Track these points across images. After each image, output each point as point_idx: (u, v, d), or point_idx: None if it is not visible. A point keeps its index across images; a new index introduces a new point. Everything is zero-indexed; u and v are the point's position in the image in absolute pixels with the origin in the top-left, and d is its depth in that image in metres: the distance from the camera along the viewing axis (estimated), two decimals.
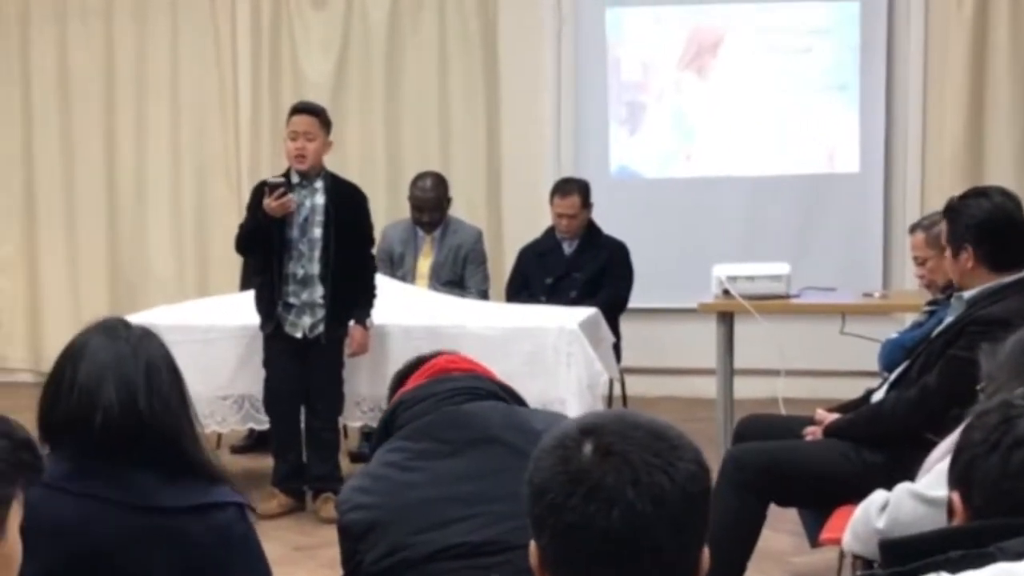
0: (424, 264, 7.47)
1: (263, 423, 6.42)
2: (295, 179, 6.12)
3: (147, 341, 2.60)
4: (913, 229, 5.26)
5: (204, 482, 2.56)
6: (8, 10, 9.27)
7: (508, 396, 2.89)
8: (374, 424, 6.56)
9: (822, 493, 4.39)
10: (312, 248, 6.10)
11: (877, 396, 4.57)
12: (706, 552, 1.67)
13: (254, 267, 6.46)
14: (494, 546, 2.58)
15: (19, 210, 9.38)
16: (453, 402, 2.80)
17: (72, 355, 2.56)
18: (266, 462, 6.44)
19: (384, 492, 2.71)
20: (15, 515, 1.81)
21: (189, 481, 2.54)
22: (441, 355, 2.99)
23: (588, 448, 1.63)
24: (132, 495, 2.48)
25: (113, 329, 2.60)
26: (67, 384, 2.51)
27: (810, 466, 4.42)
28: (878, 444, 4.32)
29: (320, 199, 6.11)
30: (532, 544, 1.68)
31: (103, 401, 2.49)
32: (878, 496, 3.27)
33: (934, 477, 3.08)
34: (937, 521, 2.23)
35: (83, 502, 2.45)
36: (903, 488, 3.20)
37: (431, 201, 7.43)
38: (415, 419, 2.79)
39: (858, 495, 4.14)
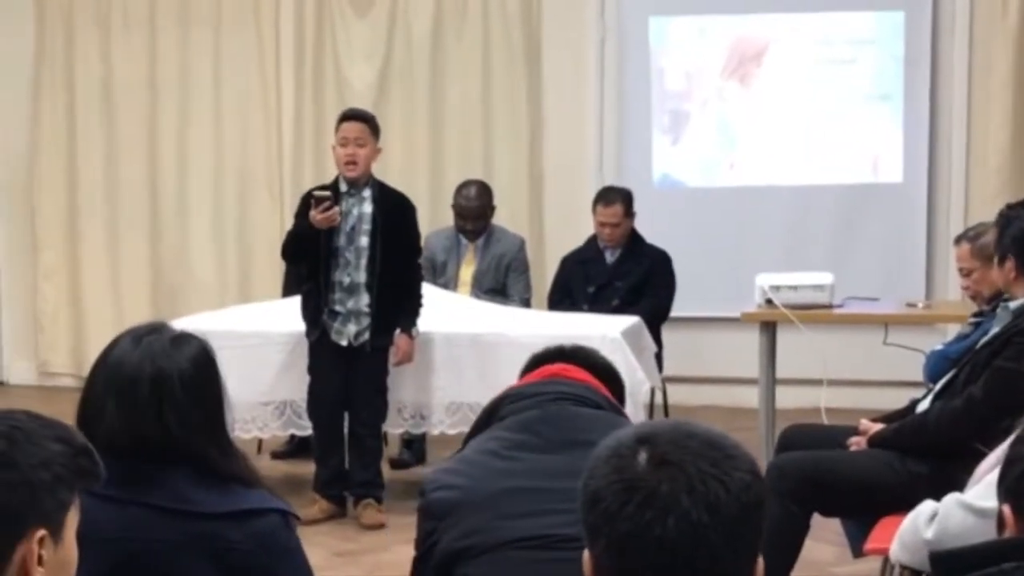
0: (467, 272, 7.49)
1: (304, 429, 6.44)
2: (343, 187, 6.14)
3: (176, 346, 2.57)
4: (959, 240, 5.24)
5: (241, 487, 2.55)
6: (53, 19, 9.34)
7: (614, 412, 2.90)
8: (416, 431, 6.64)
9: (866, 503, 4.38)
10: (359, 256, 6.12)
11: (922, 407, 4.55)
12: (760, 562, 1.67)
13: (301, 274, 6.48)
14: (578, 542, 2.57)
15: (63, 217, 9.44)
16: (559, 405, 2.82)
17: (103, 365, 2.57)
18: (306, 468, 6.48)
19: (473, 475, 2.72)
20: (72, 521, 1.83)
21: (226, 486, 2.53)
22: (557, 363, 2.99)
23: (643, 457, 1.64)
24: (172, 500, 2.48)
25: (138, 336, 2.58)
26: (101, 396, 2.53)
27: (854, 476, 4.41)
28: (923, 455, 4.30)
29: (368, 208, 6.13)
30: (586, 553, 1.68)
31: (141, 409, 2.50)
32: (926, 506, 3.25)
33: (984, 488, 3.06)
34: (987, 532, 2.22)
35: (125, 508, 2.45)
36: (952, 498, 3.18)
37: (475, 209, 7.45)
38: (518, 413, 2.81)
39: (903, 506, 4.13)
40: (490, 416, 2.89)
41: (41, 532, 1.76)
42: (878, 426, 4.58)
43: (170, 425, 2.49)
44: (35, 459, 1.78)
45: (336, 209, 5.99)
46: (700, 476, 1.61)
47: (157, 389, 2.50)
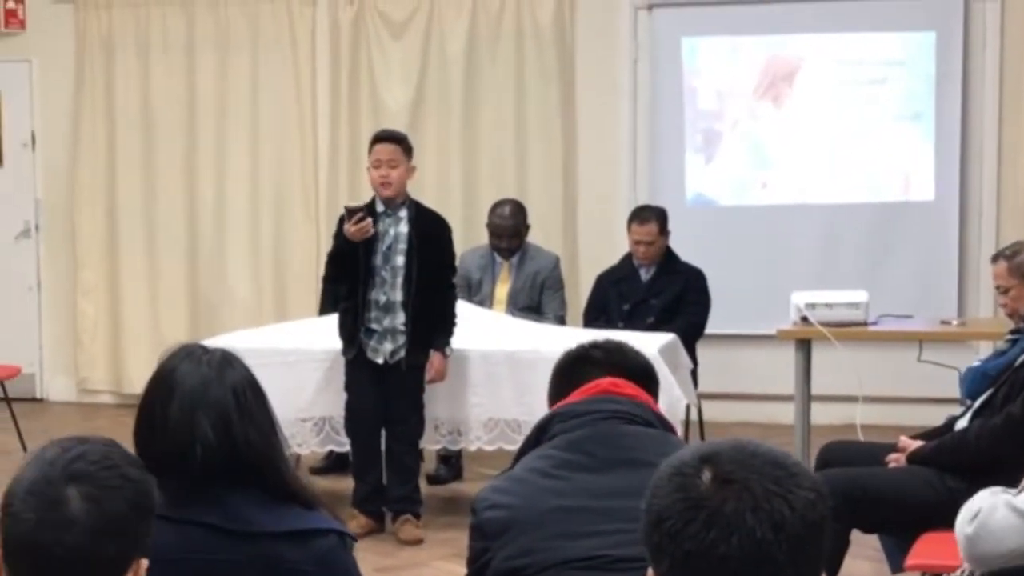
0: (502, 290, 7.54)
1: (343, 445, 6.50)
2: (380, 207, 6.21)
3: (229, 365, 2.58)
4: (996, 258, 5.26)
5: (300, 507, 2.55)
6: (92, 43, 9.45)
7: (664, 428, 2.89)
8: (453, 447, 6.69)
9: (905, 520, 4.42)
10: (395, 275, 6.18)
11: (961, 424, 4.58)
12: None
13: (337, 293, 6.55)
14: (632, 563, 2.51)
15: (102, 236, 9.55)
16: (609, 423, 2.80)
17: (161, 387, 2.55)
18: (344, 483, 6.54)
19: (524, 494, 2.71)
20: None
21: (285, 506, 2.53)
22: (595, 371, 2.96)
23: (707, 476, 1.64)
24: (231, 521, 2.48)
25: (195, 356, 2.58)
26: (160, 418, 2.51)
27: (894, 492, 4.44)
28: (962, 472, 4.33)
29: (404, 227, 6.20)
30: (649, 571, 1.69)
31: (199, 433, 2.48)
32: (974, 502, 3.23)
33: None
34: None
35: (184, 529, 2.44)
36: (1001, 497, 3.17)
37: (510, 228, 7.51)
38: (569, 432, 2.80)
39: (942, 522, 4.17)
40: (540, 434, 2.88)
41: (144, 561, 1.83)
42: (917, 443, 4.62)
43: (251, 437, 2.51)
44: (150, 489, 1.85)
45: (369, 220, 6.06)
46: (764, 494, 1.61)
47: (237, 401, 2.52)
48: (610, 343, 3.13)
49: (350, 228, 6.04)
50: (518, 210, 7.61)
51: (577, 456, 2.74)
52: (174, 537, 2.39)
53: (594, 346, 3.07)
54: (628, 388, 2.91)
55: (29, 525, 1.75)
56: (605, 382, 2.91)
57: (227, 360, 2.59)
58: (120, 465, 1.83)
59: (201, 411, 2.49)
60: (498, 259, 7.58)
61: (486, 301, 7.42)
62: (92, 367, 9.65)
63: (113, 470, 1.81)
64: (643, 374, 3.03)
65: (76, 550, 1.74)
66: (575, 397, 2.91)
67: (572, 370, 3.01)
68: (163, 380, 2.55)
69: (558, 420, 2.85)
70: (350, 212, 6.08)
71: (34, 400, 9.56)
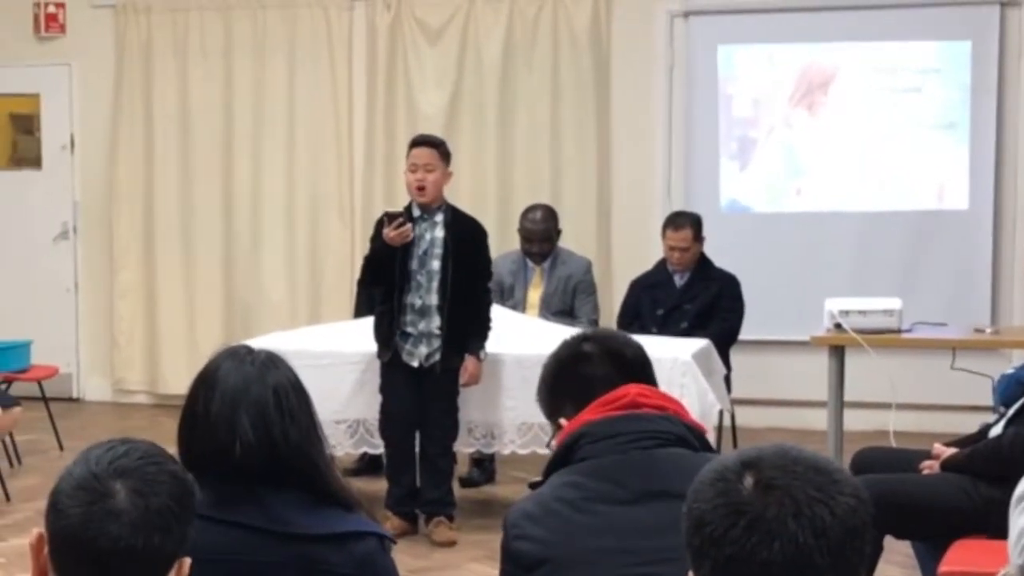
0: (534, 295, 7.57)
1: (377, 447, 6.55)
2: (416, 212, 6.25)
3: (273, 365, 2.59)
4: None
5: (339, 509, 2.55)
6: (132, 48, 9.55)
7: (695, 438, 2.76)
8: (486, 451, 6.72)
9: (939, 527, 4.42)
10: (430, 279, 6.22)
11: (995, 431, 4.59)
12: None
13: (372, 296, 6.59)
14: None
15: (139, 238, 9.64)
16: (641, 446, 2.68)
17: (204, 385, 2.56)
18: (377, 485, 6.57)
19: (558, 530, 2.62)
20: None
21: (326, 508, 2.53)
22: (632, 384, 2.81)
23: (749, 481, 1.65)
24: (273, 522, 2.48)
25: (239, 355, 2.60)
26: (202, 415, 2.53)
27: (928, 499, 4.45)
28: (996, 479, 4.32)
29: (440, 232, 6.24)
30: (690, 574, 1.70)
31: (239, 431, 2.49)
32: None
33: None
34: None
35: (226, 529, 2.45)
36: None
37: (541, 232, 7.54)
38: (598, 455, 2.69)
39: (975, 530, 4.19)
40: (568, 453, 2.74)
41: (188, 560, 1.86)
42: (951, 450, 4.63)
43: (291, 437, 2.52)
44: (192, 489, 1.88)
45: (409, 225, 6.11)
46: (806, 500, 1.62)
47: (278, 401, 2.53)
48: (598, 333, 3.06)
49: (390, 232, 6.08)
50: (549, 215, 7.64)
51: (609, 487, 2.65)
52: (216, 537, 2.39)
53: (584, 339, 2.95)
54: (656, 398, 2.80)
55: (76, 519, 1.78)
56: (632, 392, 2.77)
57: (271, 361, 2.60)
58: (164, 462, 1.86)
59: (242, 409, 2.51)
60: (530, 264, 7.61)
61: (519, 306, 7.45)
62: (128, 368, 9.74)
63: (158, 466, 1.84)
64: (641, 365, 2.92)
65: (120, 541, 1.76)
66: (600, 410, 2.77)
67: (571, 372, 2.89)
68: (206, 378, 2.57)
69: (586, 440, 2.73)
70: (390, 217, 6.11)
71: (71, 400, 9.66)
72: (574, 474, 2.69)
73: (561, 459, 2.76)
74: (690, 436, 2.74)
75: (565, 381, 2.89)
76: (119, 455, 1.83)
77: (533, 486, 2.91)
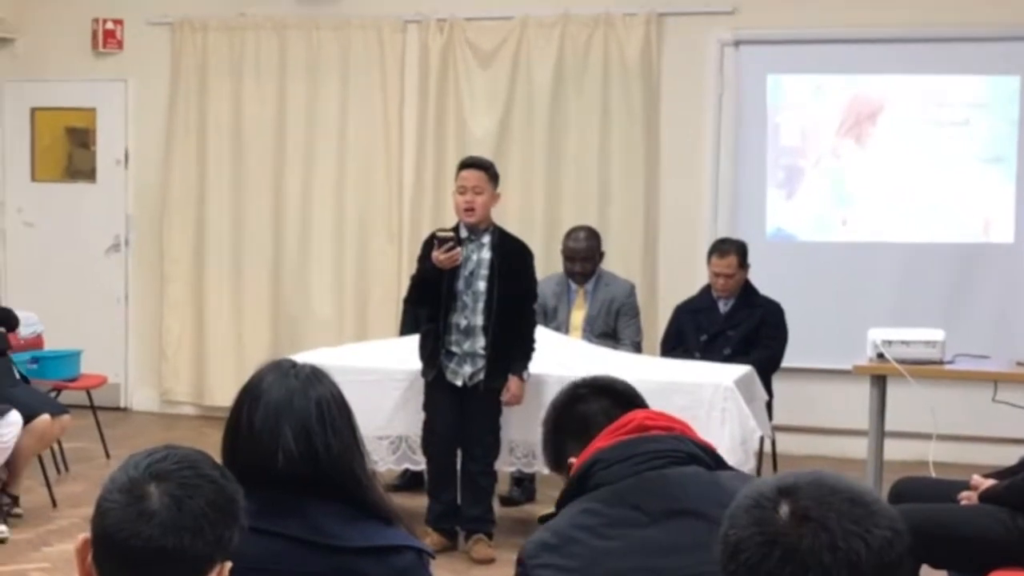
0: (577, 316, 7.62)
1: (418, 464, 6.61)
2: (464, 232, 6.32)
3: (317, 379, 2.61)
4: None
5: (380, 523, 2.56)
6: (188, 66, 9.69)
7: (707, 456, 2.77)
8: (527, 470, 6.77)
9: (976, 558, 4.43)
10: (476, 300, 6.29)
11: None
12: None
13: (418, 315, 6.66)
14: None
15: (190, 252, 9.76)
16: (652, 466, 2.70)
17: (248, 397, 2.58)
18: (418, 501, 6.63)
19: (581, 556, 2.63)
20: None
21: (366, 521, 2.54)
22: (639, 409, 2.87)
23: (785, 510, 1.64)
24: (314, 533, 2.49)
25: (284, 369, 2.62)
26: (246, 427, 2.55)
27: (965, 529, 4.46)
28: None
29: (487, 253, 6.30)
30: None
31: (282, 442, 2.51)
32: None
33: None
34: None
35: (268, 540, 2.45)
36: None
37: (584, 251, 7.59)
38: (612, 480, 2.70)
39: (1012, 561, 4.20)
40: (582, 482, 2.74)
41: (229, 564, 1.88)
42: (990, 482, 4.63)
43: (333, 450, 2.54)
44: (234, 494, 1.90)
45: (459, 250, 6.17)
46: (842, 533, 1.61)
47: (320, 414, 2.55)
48: (586, 377, 3.08)
49: (439, 256, 6.14)
50: (592, 235, 7.70)
51: (625, 511, 2.66)
52: (258, 547, 2.38)
53: (575, 385, 3.02)
54: (662, 419, 2.82)
55: (112, 520, 1.82)
56: (639, 416, 2.81)
57: (315, 375, 2.62)
58: (201, 467, 1.88)
59: (285, 421, 2.52)
60: (573, 286, 7.66)
61: (562, 327, 7.50)
62: (175, 379, 9.85)
63: (194, 470, 1.87)
64: (633, 395, 2.98)
65: (151, 542, 1.79)
66: (610, 436, 2.79)
67: (569, 412, 2.96)
68: (251, 390, 2.59)
69: (599, 467, 2.73)
70: (440, 240, 6.17)
71: (118, 409, 9.79)
72: (590, 502, 2.69)
73: (576, 489, 2.75)
74: (702, 454, 2.76)
75: (564, 422, 2.96)
76: (157, 460, 1.87)
77: (544, 519, 2.91)
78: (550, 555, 2.65)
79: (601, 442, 2.78)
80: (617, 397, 2.96)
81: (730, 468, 2.82)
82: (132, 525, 1.81)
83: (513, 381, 6.32)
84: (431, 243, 6.26)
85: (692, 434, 2.83)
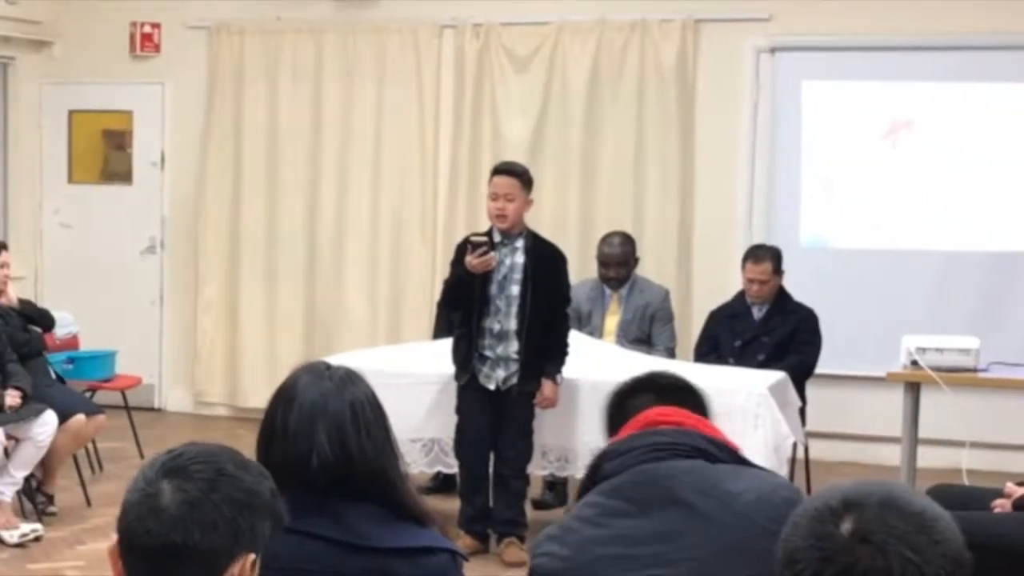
0: (611, 322, 7.63)
1: (451, 467, 6.63)
2: (497, 237, 6.33)
3: (351, 381, 2.61)
4: None
5: (413, 524, 2.56)
6: (224, 70, 9.74)
7: (718, 450, 2.80)
8: (560, 474, 6.78)
9: (1010, 565, 4.42)
10: (509, 304, 6.30)
11: None
12: None
13: (451, 319, 6.67)
14: None
15: (224, 254, 9.81)
16: (652, 457, 2.74)
17: (283, 399, 2.59)
18: (450, 504, 6.66)
19: (572, 545, 2.71)
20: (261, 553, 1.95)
21: (400, 522, 2.55)
22: (654, 406, 2.92)
23: (847, 527, 1.61)
24: (348, 534, 2.50)
25: (318, 371, 2.63)
26: (280, 429, 2.55)
27: (998, 537, 4.45)
28: None
29: (520, 258, 6.32)
30: None
31: (316, 444, 2.52)
32: None
33: None
34: None
35: (302, 541, 2.46)
36: None
37: (618, 256, 7.60)
38: (614, 473, 2.77)
39: None
40: (594, 475, 2.83)
41: (252, 557, 1.88)
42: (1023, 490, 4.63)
43: (367, 452, 2.55)
44: (255, 486, 1.90)
45: (492, 254, 6.18)
46: (900, 563, 1.58)
47: (355, 416, 2.56)
48: (645, 373, 3.12)
49: (473, 261, 6.15)
50: (627, 241, 7.71)
51: (618, 503, 2.72)
52: (292, 548, 2.41)
53: (636, 380, 3.07)
54: (675, 416, 2.86)
55: (129, 517, 1.85)
56: (652, 412, 2.88)
57: (350, 377, 2.63)
58: (217, 462, 1.89)
59: (319, 423, 2.53)
60: (607, 291, 7.67)
61: (596, 332, 7.51)
62: (209, 380, 9.90)
63: (208, 465, 1.87)
64: (676, 388, 3.00)
65: (160, 537, 1.81)
66: (623, 433, 2.88)
67: (618, 409, 3.00)
68: (285, 392, 2.60)
69: (607, 459, 2.81)
70: (474, 245, 6.19)
71: (152, 410, 9.84)
72: (594, 495, 2.77)
73: (589, 482, 2.83)
74: (711, 447, 2.79)
75: (614, 419, 3.01)
76: (173, 456, 1.89)
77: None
78: (550, 544, 2.74)
79: (617, 437, 2.87)
80: (661, 392, 2.98)
81: (747, 463, 2.83)
82: (144, 521, 1.83)
83: (547, 384, 6.34)
84: (464, 247, 6.28)
85: (704, 429, 2.86)
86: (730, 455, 2.81)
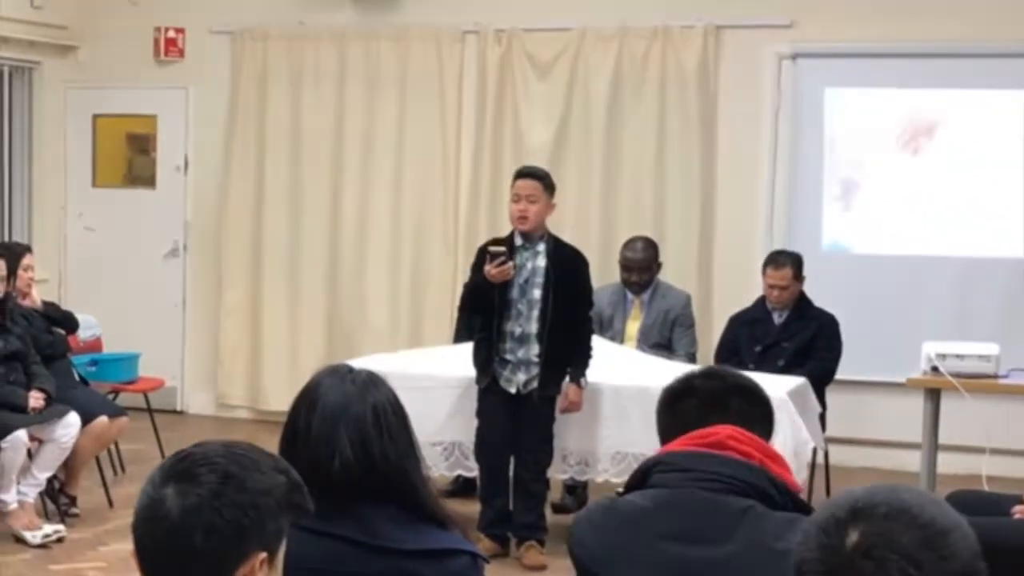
0: (633, 327, 7.64)
1: (471, 470, 6.66)
2: (519, 241, 6.36)
3: (373, 384, 2.62)
4: None
5: (435, 526, 2.57)
6: (248, 74, 9.78)
7: (779, 493, 2.67)
8: (580, 478, 6.80)
9: None
10: (531, 308, 6.32)
11: None
12: None
13: (472, 323, 6.70)
14: None
15: (247, 258, 9.85)
16: (708, 486, 2.64)
17: (305, 401, 2.60)
18: (470, 507, 6.67)
19: (603, 544, 2.68)
20: (282, 550, 1.94)
21: (422, 524, 2.56)
22: (727, 426, 2.76)
23: (852, 538, 1.60)
24: (369, 536, 2.51)
25: (340, 373, 2.64)
26: (303, 431, 2.56)
27: (1017, 543, 4.46)
28: None
29: (541, 261, 6.34)
30: None
31: (339, 447, 2.52)
32: None
33: None
34: None
35: (324, 542, 2.48)
36: None
37: (641, 261, 7.62)
38: (663, 485, 2.70)
39: None
40: (644, 476, 2.76)
41: (262, 555, 1.88)
42: None
43: (389, 454, 2.56)
44: (262, 485, 1.90)
45: (510, 264, 6.21)
46: None
47: (377, 419, 2.57)
48: (708, 368, 3.04)
49: (492, 271, 6.18)
50: (649, 246, 7.73)
51: (660, 516, 2.65)
52: (314, 549, 2.44)
53: (694, 375, 2.94)
54: (747, 444, 2.71)
55: (138, 523, 1.88)
56: (724, 433, 2.72)
57: (372, 380, 2.64)
58: (223, 464, 1.89)
59: (341, 426, 2.54)
60: (629, 296, 7.69)
61: (617, 337, 7.52)
62: (231, 383, 9.94)
63: (212, 467, 1.88)
64: (736, 391, 2.87)
65: (164, 542, 1.84)
66: (688, 442, 2.75)
67: (673, 405, 2.89)
68: (308, 395, 2.61)
69: (661, 468, 2.73)
70: (492, 254, 6.21)
71: (175, 412, 9.89)
72: (638, 496, 2.72)
73: (638, 480, 2.77)
74: (773, 491, 2.66)
75: (668, 415, 2.91)
76: (179, 460, 1.91)
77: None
78: (585, 534, 2.72)
79: (678, 445, 2.76)
80: (705, 396, 2.86)
81: (805, 512, 2.65)
82: (148, 526, 1.86)
83: (571, 388, 6.36)
84: (483, 254, 6.31)
85: (773, 467, 2.72)
86: (791, 500, 2.70)
